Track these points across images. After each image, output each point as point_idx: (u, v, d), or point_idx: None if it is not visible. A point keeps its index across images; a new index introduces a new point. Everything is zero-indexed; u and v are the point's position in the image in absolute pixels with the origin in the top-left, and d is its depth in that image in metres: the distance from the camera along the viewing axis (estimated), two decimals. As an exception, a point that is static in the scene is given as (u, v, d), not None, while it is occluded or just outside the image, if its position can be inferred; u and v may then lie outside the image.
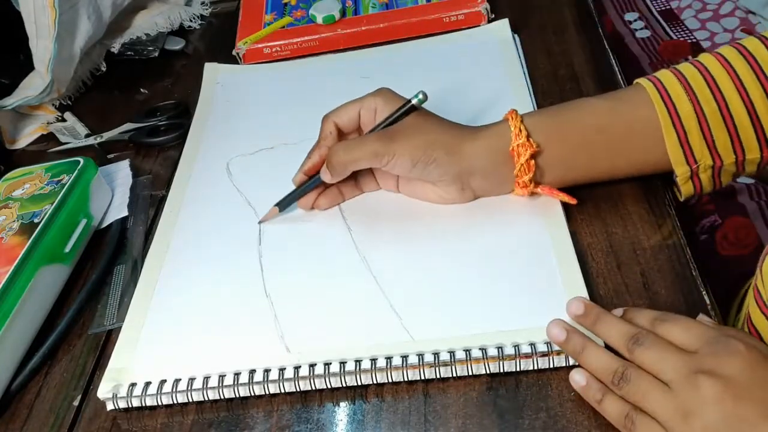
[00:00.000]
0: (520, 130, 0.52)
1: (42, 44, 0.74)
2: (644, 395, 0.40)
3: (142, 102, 0.82)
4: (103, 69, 0.85)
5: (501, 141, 0.52)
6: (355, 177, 0.58)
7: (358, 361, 0.47)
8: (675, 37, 1.06)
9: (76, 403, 0.51)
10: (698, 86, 0.51)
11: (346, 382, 0.47)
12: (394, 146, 0.52)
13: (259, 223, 0.59)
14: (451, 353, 0.46)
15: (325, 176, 0.56)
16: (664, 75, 0.53)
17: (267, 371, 0.47)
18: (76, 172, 0.62)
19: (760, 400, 0.37)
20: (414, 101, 0.54)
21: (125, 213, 0.64)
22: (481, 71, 0.71)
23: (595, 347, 0.44)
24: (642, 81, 0.53)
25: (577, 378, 0.44)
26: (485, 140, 0.53)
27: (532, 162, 0.52)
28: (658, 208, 0.54)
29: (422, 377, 0.46)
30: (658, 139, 0.51)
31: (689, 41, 1.04)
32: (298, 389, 0.47)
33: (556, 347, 0.45)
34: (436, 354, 0.46)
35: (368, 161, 0.53)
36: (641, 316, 0.45)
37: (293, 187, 0.59)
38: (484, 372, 0.46)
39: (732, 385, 0.38)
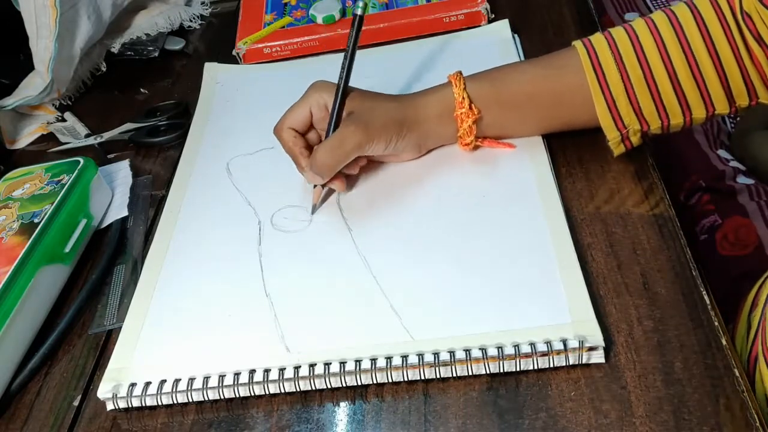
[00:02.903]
0: (463, 98, 0.57)
1: (42, 44, 0.74)
2: None
3: (142, 102, 0.82)
4: (103, 69, 0.85)
5: (447, 106, 0.58)
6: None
7: (358, 361, 0.47)
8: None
9: (76, 403, 0.51)
10: (626, 53, 0.54)
11: (346, 382, 0.47)
12: (371, 133, 0.55)
13: (313, 213, 0.60)
14: (451, 353, 0.46)
15: (316, 180, 0.58)
16: (597, 40, 0.56)
17: (267, 371, 0.47)
18: (76, 172, 0.62)
19: None
20: (358, 11, 0.59)
21: (125, 213, 0.64)
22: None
23: None
24: (577, 44, 0.57)
25: None
26: (434, 108, 0.58)
27: (474, 126, 0.58)
28: (658, 208, 0.54)
29: (422, 377, 0.46)
30: (587, 104, 0.55)
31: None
32: (298, 389, 0.47)
33: (556, 347, 0.45)
34: (436, 354, 0.46)
35: (354, 154, 0.56)
36: None
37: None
38: (484, 372, 0.46)
39: None
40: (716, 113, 0.54)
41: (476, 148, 0.60)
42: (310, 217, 0.59)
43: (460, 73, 0.58)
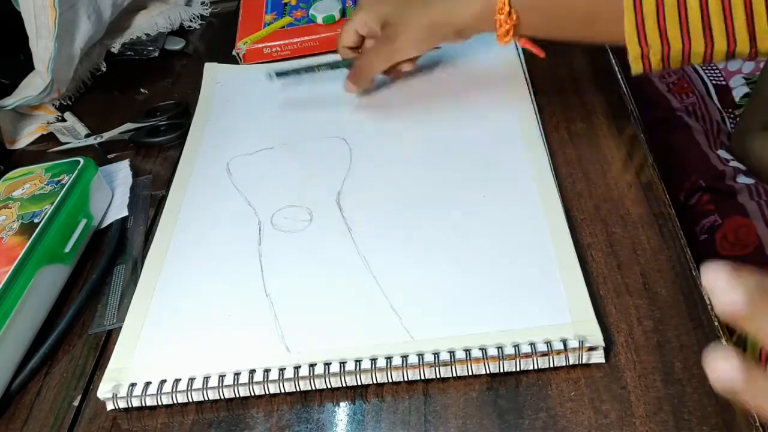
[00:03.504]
0: (504, 4, 0.59)
1: (42, 44, 0.74)
2: None
3: (142, 102, 0.82)
4: (103, 69, 0.85)
5: (488, 8, 0.60)
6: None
7: (358, 361, 0.47)
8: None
9: (76, 403, 0.51)
10: None
11: (346, 382, 0.47)
12: (398, 44, 0.63)
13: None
14: (451, 353, 0.46)
15: (351, 88, 0.68)
16: None
17: (267, 371, 0.47)
18: (76, 172, 0.62)
19: None
20: None
21: (125, 213, 0.64)
22: (481, 71, 0.71)
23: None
24: None
25: (725, 365, 0.31)
26: (474, 7, 0.61)
27: (512, 29, 0.60)
28: (658, 208, 0.54)
29: (422, 377, 0.46)
30: (619, 20, 0.56)
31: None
32: (298, 389, 0.47)
33: (556, 347, 0.45)
34: (436, 354, 0.46)
35: (385, 66, 0.66)
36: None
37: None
38: (484, 372, 0.46)
39: None
40: (737, 51, 0.54)
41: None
42: (310, 216, 0.59)
43: None
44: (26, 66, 0.78)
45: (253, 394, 0.48)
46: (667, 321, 0.47)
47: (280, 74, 0.72)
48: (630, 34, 0.55)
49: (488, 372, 0.46)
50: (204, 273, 0.57)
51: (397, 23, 0.63)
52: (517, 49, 0.72)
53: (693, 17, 0.54)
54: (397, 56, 0.65)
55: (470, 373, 0.46)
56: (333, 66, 0.71)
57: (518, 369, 0.45)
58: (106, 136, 0.75)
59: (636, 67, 0.57)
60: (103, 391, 0.49)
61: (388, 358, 0.46)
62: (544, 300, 0.48)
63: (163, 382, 0.48)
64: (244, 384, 0.47)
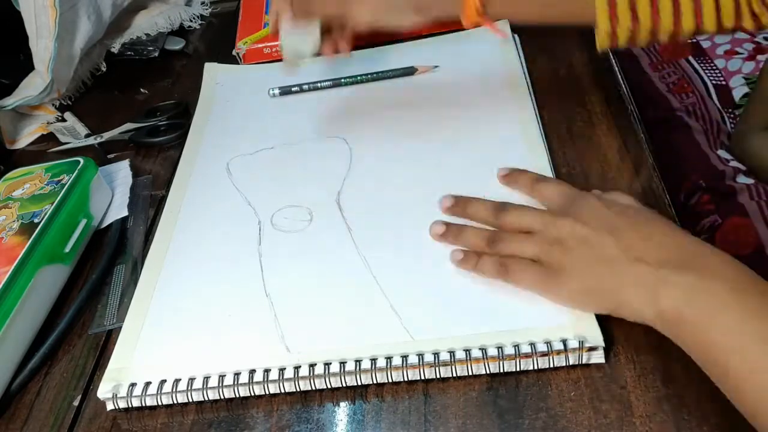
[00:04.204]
0: None
1: (42, 44, 0.74)
2: (514, 244, 0.50)
3: (142, 102, 0.82)
4: (103, 69, 0.85)
5: None
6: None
7: (358, 361, 0.47)
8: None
9: (76, 403, 0.51)
10: None
11: (346, 382, 0.47)
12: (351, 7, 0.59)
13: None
14: (451, 353, 0.46)
15: (287, 17, 0.62)
16: None
17: (267, 371, 0.47)
18: (76, 172, 0.62)
19: (604, 224, 0.47)
20: None
21: (125, 213, 0.64)
22: (481, 71, 0.71)
23: (469, 228, 0.53)
24: None
25: (456, 254, 0.52)
26: None
27: (480, 6, 0.58)
28: (659, 208, 0.54)
29: (422, 377, 0.46)
30: None
31: (689, 41, 1.04)
32: (298, 389, 0.47)
33: (556, 347, 0.45)
34: (436, 354, 0.46)
35: (334, 10, 0.60)
36: (520, 182, 0.56)
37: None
38: (484, 372, 0.46)
39: (585, 220, 0.48)
40: (703, 29, 0.55)
41: (477, 25, 0.60)
42: (310, 216, 0.59)
43: None
44: (26, 66, 0.78)
45: (253, 394, 0.48)
46: (667, 321, 0.46)
47: (284, 92, 0.72)
48: (601, 7, 0.56)
49: (488, 372, 0.46)
50: (204, 273, 0.57)
51: None
52: (517, 48, 0.72)
53: None
54: (348, 9, 0.60)
55: (470, 373, 0.46)
56: (336, 83, 0.71)
57: (518, 369, 0.45)
58: (106, 136, 0.75)
59: (602, 42, 0.58)
60: (103, 391, 0.49)
61: (388, 358, 0.46)
62: (543, 300, 0.48)
63: (163, 382, 0.48)
64: (244, 384, 0.47)
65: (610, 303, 0.45)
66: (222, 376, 0.48)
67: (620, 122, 0.63)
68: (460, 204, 0.55)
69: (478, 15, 0.59)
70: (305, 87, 0.73)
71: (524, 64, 0.70)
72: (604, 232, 0.46)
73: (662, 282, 0.42)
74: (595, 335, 0.45)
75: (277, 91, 0.74)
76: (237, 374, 0.48)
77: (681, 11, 0.55)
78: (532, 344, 0.45)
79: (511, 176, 0.57)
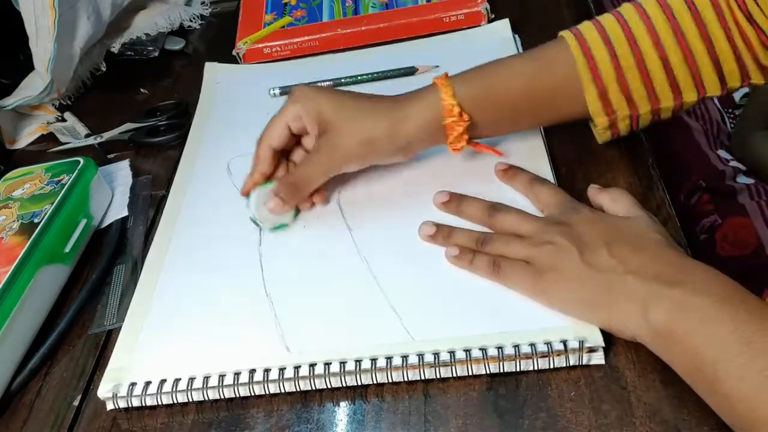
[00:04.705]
0: (453, 105, 0.53)
1: (42, 44, 0.74)
2: (506, 245, 0.50)
3: (142, 102, 0.82)
4: (103, 69, 0.85)
5: (435, 116, 0.54)
6: None
7: (358, 361, 0.47)
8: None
9: (76, 403, 0.51)
10: (617, 40, 0.54)
11: (346, 382, 0.47)
12: (336, 162, 0.55)
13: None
14: (451, 353, 0.46)
15: (280, 207, 0.56)
16: (587, 29, 0.55)
17: (267, 371, 0.47)
18: (76, 172, 0.62)
19: (597, 233, 0.47)
20: None
21: (125, 213, 0.64)
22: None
23: (460, 229, 0.53)
24: (565, 35, 0.56)
25: (451, 251, 0.52)
26: (420, 118, 0.54)
27: (465, 132, 0.55)
28: (658, 208, 0.54)
29: (422, 377, 0.46)
30: (579, 95, 0.54)
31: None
32: (298, 389, 0.47)
33: (556, 348, 0.45)
34: (436, 354, 0.46)
35: (319, 183, 0.57)
36: (518, 180, 0.56)
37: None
38: (484, 372, 0.46)
39: (579, 230, 0.48)
40: (707, 96, 0.54)
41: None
42: (311, 217, 0.59)
43: (447, 75, 0.55)
44: (26, 66, 0.78)
45: (253, 394, 0.48)
46: (667, 321, 0.46)
47: (284, 91, 0.71)
48: (594, 106, 0.54)
49: (488, 372, 0.46)
50: (204, 273, 0.57)
51: (333, 130, 0.55)
52: (517, 48, 0.72)
53: (657, 76, 0.53)
54: (335, 171, 0.56)
55: (470, 373, 0.46)
56: (336, 83, 0.71)
57: (518, 369, 0.45)
58: (106, 136, 0.75)
59: (603, 137, 0.57)
60: (103, 390, 0.49)
61: (388, 358, 0.46)
62: (544, 300, 0.48)
63: (163, 381, 0.48)
64: (244, 384, 0.47)
65: (602, 318, 0.45)
66: (222, 376, 0.48)
67: (620, 122, 0.63)
68: (454, 201, 0.55)
69: (466, 141, 0.55)
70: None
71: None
72: (598, 242, 0.46)
73: (652, 296, 0.42)
74: (595, 336, 0.45)
75: (277, 91, 0.74)
76: (237, 374, 0.48)
77: (680, 87, 0.53)
78: (532, 345, 0.45)
79: (510, 172, 0.57)
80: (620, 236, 0.47)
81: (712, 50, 0.52)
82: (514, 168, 0.57)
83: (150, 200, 0.66)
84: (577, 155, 0.60)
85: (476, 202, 0.54)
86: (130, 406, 0.49)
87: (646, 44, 0.53)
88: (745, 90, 0.88)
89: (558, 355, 0.45)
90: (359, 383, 0.47)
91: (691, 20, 0.52)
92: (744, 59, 0.52)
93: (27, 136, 0.80)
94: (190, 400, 0.48)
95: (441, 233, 0.53)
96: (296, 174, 0.57)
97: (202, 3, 0.94)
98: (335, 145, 0.55)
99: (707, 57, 0.52)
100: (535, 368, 0.45)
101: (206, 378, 0.48)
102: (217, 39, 0.89)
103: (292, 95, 0.57)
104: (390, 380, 0.46)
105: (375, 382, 0.47)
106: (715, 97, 0.55)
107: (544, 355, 0.45)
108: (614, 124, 0.55)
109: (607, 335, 0.45)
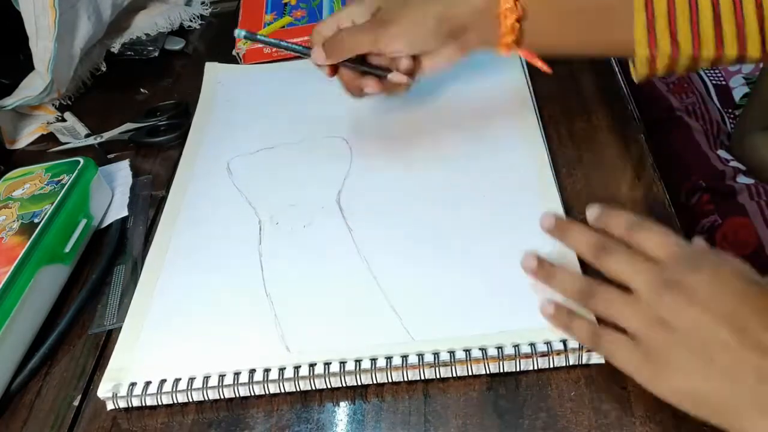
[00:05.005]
0: None
1: (42, 44, 0.74)
2: (609, 305, 0.42)
3: (142, 102, 0.82)
4: (103, 69, 0.85)
5: (491, 2, 0.55)
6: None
7: (358, 361, 0.47)
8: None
9: (76, 403, 0.51)
10: None
11: (346, 382, 0.47)
12: (390, 32, 0.56)
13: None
14: (451, 353, 0.46)
15: (320, 57, 0.59)
16: None
17: (267, 371, 0.47)
18: (76, 172, 0.62)
19: (722, 311, 0.38)
20: None
21: (125, 213, 0.64)
22: (480, 71, 0.71)
23: (563, 270, 0.47)
24: None
25: (547, 307, 0.46)
26: (475, 2, 0.56)
27: (517, 25, 0.55)
28: (658, 208, 0.54)
29: (422, 377, 0.46)
30: (630, 20, 0.54)
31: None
32: (298, 389, 0.47)
33: (556, 347, 0.45)
34: (436, 354, 0.46)
35: (364, 48, 0.58)
36: (617, 221, 0.46)
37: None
38: (484, 372, 0.46)
39: (694, 295, 0.39)
40: (747, 55, 0.53)
41: (512, 52, 0.58)
42: (310, 216, 0.59)
43: None
44: (26, 66, 0.78)
45: (253, 394, 0.48)
46: (667, 321, 0.46)
47: (249, 37, 0.65)
48: (639, 33, 0.54)
49: (488, 372, 0.46)
50: (204, 273, 0.57)
51: (391, 16, 0.57)
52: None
53: (704, 20, 0.52)
54: (383, 43, 0.57)
55: (470, 373, 0.46)
56: (304, 53, 0.63)
57: (518, 369, 0.45)
58: (106, 136, 0.75)
59: (641, 71, 0.56)
60: (103, 390, 0.49)
61: (388, 358, 0.46)
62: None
63: (163, 381, 0.48)
64: (244, 384, 0.47)
65: (727, 424, 0.38)
66: (222, 376, 0.48)
67: (620, 122, 0.63)
68: (559, 228, 0.48)
69: (515, 43, 0.56)
70: (272, 43, 0.70)
71: (524, 64, 0.70)
72: (722, 321, 0.38)
73: None
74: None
75: (243, 33, 0.69)
76: (237, 374, 0.48)
77: (724, 39, 0.53)
78: (532, 344, 0.45)
79: (600, 221, 0.47)
80: (752, 310, 0.38)
81: (760, 8, 0.52)
82: (605, 214, 0.47)
83: (150, 200, 0.66)
84: (577, 155, 0.60)
85: (585, 235, 0.46)
86: (130, 406, 0.49)
87: None
88: (745, 90, 0.88)
89: (558, 354, 0.45)
90: (359, 383, 0.47)
91: None
92: None
93: (27, 136, 0.80)
94: (190, 400, 0.48)
95: (543, 271, 0.47)
96: (344, 33, 0.58)
97: (202, 3, 0.94)
98: (387, 21, 0.57)
99: (755, 14, 0.52)
100: (535, 368, 0.45)
101: (206, 378, 0.48)
102: (217, 39, 0.89)
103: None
104: (390, 380, 0.46)
105: (375, 382, 0.47)
106: (754, 60, 0.54)
107: (543, 355, 0.45)
108: (654, 59, 0.54)
109: (607, 335, 0.45)
